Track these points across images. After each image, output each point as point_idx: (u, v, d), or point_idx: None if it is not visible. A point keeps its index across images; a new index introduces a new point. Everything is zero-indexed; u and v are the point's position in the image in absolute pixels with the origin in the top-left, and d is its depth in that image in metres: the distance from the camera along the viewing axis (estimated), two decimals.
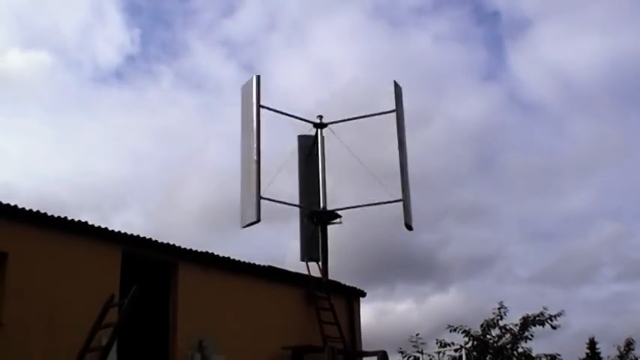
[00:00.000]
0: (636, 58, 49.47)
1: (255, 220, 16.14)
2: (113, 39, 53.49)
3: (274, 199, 16.70)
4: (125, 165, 45.60)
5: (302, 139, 18.60)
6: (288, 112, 18.15)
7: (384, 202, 17.30)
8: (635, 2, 47.81)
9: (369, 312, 36.43)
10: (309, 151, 18.38)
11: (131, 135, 46.82)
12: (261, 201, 16.23)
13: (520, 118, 55.01)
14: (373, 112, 18.37)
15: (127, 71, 58.53)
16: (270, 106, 17.35)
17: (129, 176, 45.23)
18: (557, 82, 53.32)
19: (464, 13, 58.07)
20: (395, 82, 18.19)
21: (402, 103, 18.27)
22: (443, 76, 50.93)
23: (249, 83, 17.52)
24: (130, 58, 58.13)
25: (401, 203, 17.00)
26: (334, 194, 18.11)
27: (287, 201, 17.50)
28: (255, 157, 16.55)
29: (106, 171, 42.77)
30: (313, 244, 17.36)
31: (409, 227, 17.14)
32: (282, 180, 17.79)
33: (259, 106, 17.05)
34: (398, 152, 17.51)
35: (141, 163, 45.49)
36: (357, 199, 18.11)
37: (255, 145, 16.67)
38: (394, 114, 17.99)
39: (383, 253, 17.92)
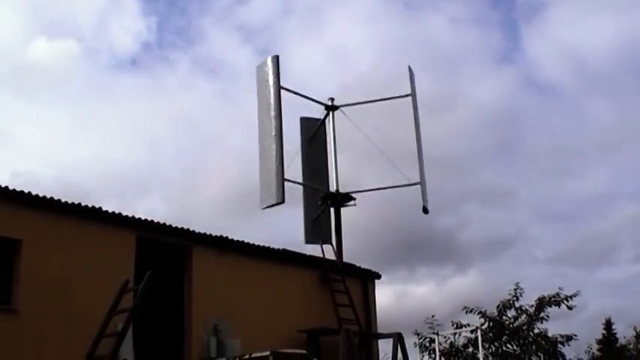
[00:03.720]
0: None
1: (278, 201, 15.88)
2: (130, 26, 53.59)
3: (295, 180, 16.76)
4: (145, 151, 45.91)
5: (304, 121, 18.57)
6: (303, 94, 18.08)
7: (401, 185, 17.33)
8: None
9: (389, 294, 36.59)
10: (313, 133, 18.34)
11: (150, 122, 47.02)
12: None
13: (536, 100, 54.65)
14: (390, 96, 18.38)
15: (143, 58, 58.70)
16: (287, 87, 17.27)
17: (149, 162, 45.52)
18: (572, 64, 53.03)
19: None
20: (409, 66, 18.13)
21: (414, 87, 18.20)
22: (459, 59, 50.59)
23: (264, 64, 17.20)
24: (147, 46, 58.27)
25: (418, 186, 17.02)
26: (351, 177, 18.12)
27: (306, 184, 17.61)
28: (276, 139, 16.27)
29: (127, 158, 43.18)
30: (322, 226, 17.34)
31: (426, 210, 17.14)
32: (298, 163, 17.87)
33: (279, 88, 16.75)
34: (415, 135, 17.49)
35: (160, 149, 45.75)
36: (374, 181, 18.14)
37: (275, 126, 16.39)
38: (408, 98, 17.97)
39: (403, 235, 17.95)
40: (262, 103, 16.94)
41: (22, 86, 43.78)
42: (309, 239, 17.22)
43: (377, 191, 17.83)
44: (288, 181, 16.23)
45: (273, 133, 16.36)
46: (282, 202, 15.94)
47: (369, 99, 18.50)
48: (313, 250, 16.66)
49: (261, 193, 16.25)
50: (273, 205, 15.96)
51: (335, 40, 51.52)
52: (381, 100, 18.31)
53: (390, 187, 17.55)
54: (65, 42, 48.62)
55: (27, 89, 43.44)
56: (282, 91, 16.93)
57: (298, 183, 16.96)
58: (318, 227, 17.41)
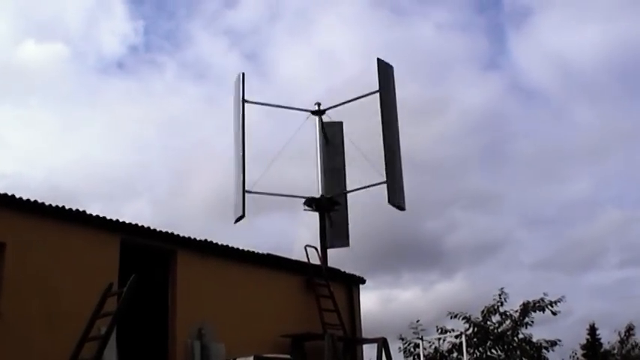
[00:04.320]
0: (638, 45, 49.41)
1: (240, 214, 16.69)
2: (117, 30, 53.55)
3: (261, 191, 17.09)
4: (132, 155, 45.81)
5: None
6: (281, 104, 18.76)
7: (369, 186, 17.50)
8: None
9: (375, 299, 36.67)
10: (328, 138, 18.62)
11: (137, 125, 47.01)
12: (249, 195, 16.83)
13: (523, 105, 55.03)
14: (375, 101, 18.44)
15: (131, 62, 58.63)
16: (264, 99, 18.09)
17: (136, 166, 45.51)
18: (559, 69, 53.34)
19: (466, 2, 57.99)
20: (378, 59, 18.00)
21: (390, 83, 18.17)
22: (446, 64, 50.84)
23: (238, 79, 18.03)
24: (134, 49, 58.23)
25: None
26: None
27: (280, 192, 17.87)
28: (240, 153, 17.04)
29: (114, 161, 43.08)
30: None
31: (398, 208, 17.04)
32: (285, 169, 17.97)
33: (244, 102, 17.59)
34: (381, 132, 17.39)
35: (147, 152, 45.72)
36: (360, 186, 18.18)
37: (240, 141, 17.19)
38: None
39: (390, 240, 17.90)
40: (234, 118, 17.79)
41: (10, 89, 43.69)
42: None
43: (363, 194, 17.97)
44: (251, 192, 16.85)
45: (239, 149, 17.11)
46: (243, 216, 16.71)
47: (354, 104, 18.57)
48: (299, 254, 16.69)
49: (234, 207, 16.99)
50: (238, 219, 16.76)
51: (322, 44, 51.67)
52: (355, 99, 18.32)
53: (358, 189, 17.86)
54: (53, 45, 48.62)
55: (14, 91, 43.35)
56: (256, 104, 17.93)
57: (262, 193, 17.17)
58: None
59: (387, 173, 16.88)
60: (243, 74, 17.98)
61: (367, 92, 17.92)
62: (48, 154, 44.61)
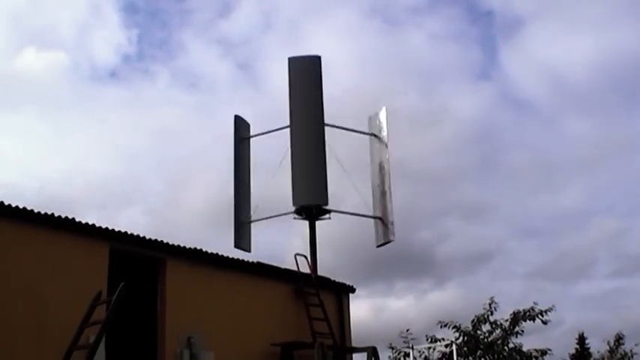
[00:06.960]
0: (629, 57, 49.76)
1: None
2: (110, 38, 53.60)
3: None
4: (126, 163, 45.78)
5: (239, 119, 19.10)
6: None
7: (363, 215, 18.12)
8: (629, 0, 47.97)
9: (367, 308, 36.73)
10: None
11: (130, 134, 46.98)
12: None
13: (515, 116, 55.23)
14: (370, 112, 19.11)
15: (123, 70, 58.59)
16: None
17: (131, 175, 45.52)
18: (550, 80, 53.55)
19: (458, 13, 58.36)
20: (385, 108, 18.97)
21: (385, 130, 18.76)
22: (437, 74, 51.06)
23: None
24: (127, 58, 58.23)
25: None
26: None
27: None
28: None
29: (108, 170, 43.09)
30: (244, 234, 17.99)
31: (379, 245, 17.88)
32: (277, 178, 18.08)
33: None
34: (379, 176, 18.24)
35: (141, 161, 45.75)
36: (351, 197, 18.33)
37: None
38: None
39: (382, 249, 17.89)
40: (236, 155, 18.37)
41: (6, 97, 43.61)
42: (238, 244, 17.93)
43: (354, 204, 18.11)
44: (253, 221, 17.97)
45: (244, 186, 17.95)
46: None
47: (350, 113, 18.94)
48: (290, 263, 16.67)
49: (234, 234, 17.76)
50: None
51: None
52: (353, 131, 18.80)
53: (351, 214, 18.02)
54: (51, 53, 48.65)
55: (11, 100, 43.23)
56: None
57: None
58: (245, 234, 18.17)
59: (382, 212, 17.89)
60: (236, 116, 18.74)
61: (360, 102, 18.47)
62: (44, 163, 44.55)
